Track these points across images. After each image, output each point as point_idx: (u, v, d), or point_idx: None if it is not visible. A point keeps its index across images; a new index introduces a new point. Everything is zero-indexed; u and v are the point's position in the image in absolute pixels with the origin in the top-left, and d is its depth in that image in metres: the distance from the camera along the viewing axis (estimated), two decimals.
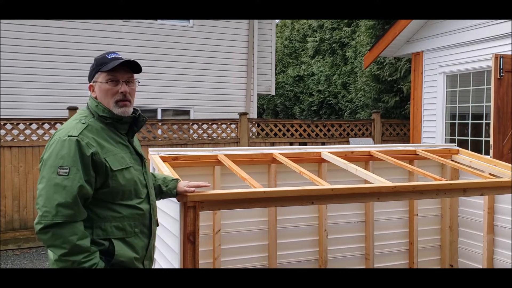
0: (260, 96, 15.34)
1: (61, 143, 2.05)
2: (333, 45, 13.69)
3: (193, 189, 2.58)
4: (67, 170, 2.01)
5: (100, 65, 2.22)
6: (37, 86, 8.58)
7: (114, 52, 2.28)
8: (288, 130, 8.86)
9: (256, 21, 10.25)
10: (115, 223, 2.13)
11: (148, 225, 2.28)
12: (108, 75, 2.19)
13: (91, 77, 2.27)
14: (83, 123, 2.15)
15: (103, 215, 2.11)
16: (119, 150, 2.21)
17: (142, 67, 2.30)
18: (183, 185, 2.60)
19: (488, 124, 6.69)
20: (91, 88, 2.26)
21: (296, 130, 8.87)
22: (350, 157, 4.11)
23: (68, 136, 2.07)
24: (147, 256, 2.30)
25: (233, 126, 8.41)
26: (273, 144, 8.58)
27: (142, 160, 2.35)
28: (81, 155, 2.05)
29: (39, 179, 2.07)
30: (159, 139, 7.94)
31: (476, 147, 7.16)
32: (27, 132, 7.14)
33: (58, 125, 7.30)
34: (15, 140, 7.01)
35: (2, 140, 6.91)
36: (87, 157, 2.06)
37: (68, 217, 1.99)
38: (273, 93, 11.31)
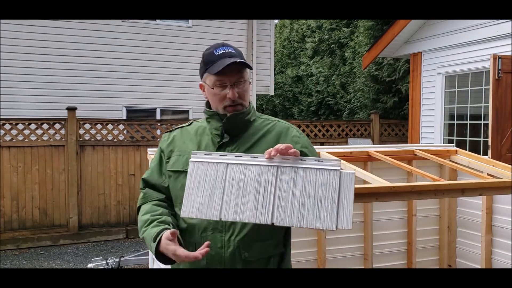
0: (259, 97, 15.35)
1: None
2: (332, 45, 13.70)
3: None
4: None
5: (207, 63, 1.85)
6: (35, 86, 8.57)
7: (224, 45, 1.89)
8: None
9: (255, 22, 10.26)
10: None
11: None
12: (216, 78, 1.82)
13: (200, 75, 1.92)
14: None
15: None
16: None
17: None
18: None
19: (486, 125, 6.70)
20: (202, 88, 1.94)
21: None
22: (348, 157, 4.12)
23: None
24: None
25: None
26: None
27: None
28: None
29: None
30: (158, 139, 7.93)
31: (475, 148, 7.17)
32: (26, 132, 7.13)
33: (57, 125, 7.29)
34: (13, 140, 7.00)
35: (1, 140, 6.90)
36: None
37: None
38: (272, 93, 11.32)
